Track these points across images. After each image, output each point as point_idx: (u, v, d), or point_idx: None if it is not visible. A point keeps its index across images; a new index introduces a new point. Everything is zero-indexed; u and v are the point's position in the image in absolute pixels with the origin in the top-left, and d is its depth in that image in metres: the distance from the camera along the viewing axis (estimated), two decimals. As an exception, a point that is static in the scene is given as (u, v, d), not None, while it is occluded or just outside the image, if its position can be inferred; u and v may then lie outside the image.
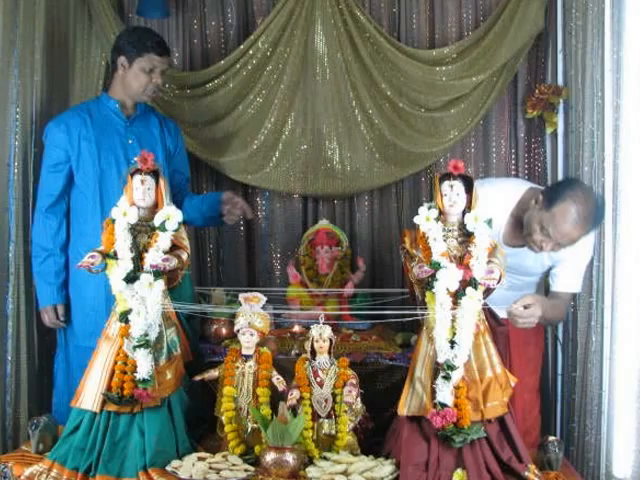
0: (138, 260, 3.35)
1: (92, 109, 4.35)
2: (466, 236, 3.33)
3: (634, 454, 3.79)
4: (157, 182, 3.45)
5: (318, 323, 3.48)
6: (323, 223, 4.74)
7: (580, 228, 3.70)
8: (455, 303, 3.23)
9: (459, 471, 3.18)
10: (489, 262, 3.25)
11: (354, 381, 3.44)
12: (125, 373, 3.32)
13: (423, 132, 4.88)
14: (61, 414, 3.81)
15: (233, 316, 3.59)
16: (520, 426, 3.40)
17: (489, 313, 3.45)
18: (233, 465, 3.27)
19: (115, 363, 3.35)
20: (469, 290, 3.22)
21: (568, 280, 4.03)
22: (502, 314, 3.60)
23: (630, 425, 3.83)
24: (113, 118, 4.33)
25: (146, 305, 3.30)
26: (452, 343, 3.22)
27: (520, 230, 3.87)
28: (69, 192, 4.28)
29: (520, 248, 3.86)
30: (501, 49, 4.72)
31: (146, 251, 3.36)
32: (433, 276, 3.22)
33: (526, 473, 3.21)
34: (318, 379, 3.46)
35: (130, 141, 4.30)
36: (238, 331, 3.50)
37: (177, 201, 4.20)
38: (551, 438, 3.44)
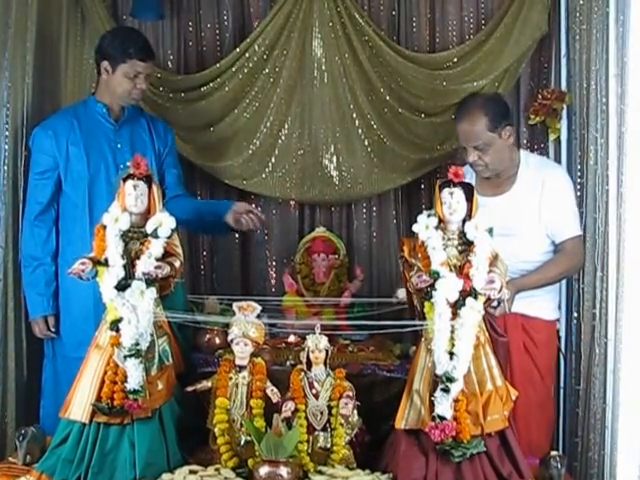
0: (129, 267, 3.34)
1: (79, 113, 4.36)
2: (466, 245, 3.32)
3: (638, 470, 3.78)
4: (150, 188, 3.44)
5: (314, 333, 3.47)
6: (320, 231, 4.75)
7: (476, 119, 4.05)
8: (455, 314, 3.22)
9: (458, 486, 3.18)
10: (490, 271, 3.24)
11: (350, 393, 3.42)
12: (115, 383, 3.30)
13: (423, 138, 4.89)
14: (49, 425, 3.80)
15: (227, 325, 3.56)
16: (524, 439, 3.40)
17: (490, 324, 3.44)
18: (226, 478, 3.25)
19: (105, 373, 3.33)
20: (469, 300, 3.21)
21: (566, 227, 4.14)
22: None
23: (634, 440, 3.82)
24: (101, 122, 4.34)
25: (137, 314, 3.28)
26: (451, 355, 3.20)
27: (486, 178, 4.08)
28: (58, 199, 4.28)
29: (493, 198, 3.89)
30: (503, 53, 4.72)
31: (138, 258, 3.34)
32: (432, 286, 3.21)
33: (527, 489, 3.21)
34: (314, 391, 3.45)
35: (119, 145, 4.31)
36: (232, 341, 3.49)
37: (170, 199, 4.22)
38: (553, 453, 3.43)
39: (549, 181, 4.12)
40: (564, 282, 4.63)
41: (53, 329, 4.29)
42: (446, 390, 3.20)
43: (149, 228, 3.39)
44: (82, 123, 4.31)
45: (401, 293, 3.80)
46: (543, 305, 4.24)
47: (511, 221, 3.96)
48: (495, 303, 3.38)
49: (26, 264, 4.28)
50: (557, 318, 4.43)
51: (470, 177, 3.91)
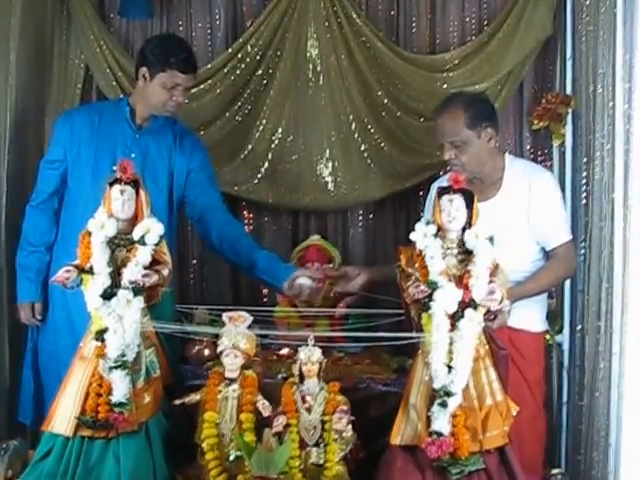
0: (116, 276, 3.33)
1: (106, 111, 4.37)
2: (466, 254, 3.32)
3: (643, 489, 3.80)
4: (137, 193, 3.44)
5: (307, 345, 3.47)
6: (314, 239, 4.76)
7: (455, 114, 4.04)
8: (453, 325, 3.22)
9: (456, 505, 3.18)
10: (490, 282, 3.25)
11: (345, 407, 3.42)
12: (100, 395, 3.28)
13: (422, 143, 4.90)
14: (26, 414, 3.85)
15: (216, 336, 3.56)
16: (517, 456, 3.40)
17: (490, 336, 3.45)
18: (214, 495, 3.26)
19: (90, 385, 3.32)
20: (468, 312, 3.21)
21: (556, 232, 4.11)
22: None
23: (638, 458, 3.82)
24: (123, 125, 4.32)
25: (123, 324, 3.27)
26: (449, 368, 3.20)
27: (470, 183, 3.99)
28: (63, 191, 4.32)
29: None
30: (506, 55, 4.75)
31: (124, 266, 3.34)
32: (430, 296, 3.22)
33: (527, 508, 3.21)
34: (306, 405, 3.44)
35: (133, 155, 4.25)
36: (221, 353, 3.48)
37: (210, 227, 4.22)
38: (555, 471, 3.45)
39: (535, 185, 4.09)
40: (568, 294, 4.66)
41: (39, 317, 4.33)
42: (444, 405, 3.19)
43: (136, 235, 3.38)
44: (103, 122, 4.30)
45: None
46: (530, 317, 4.20)
47: (498, 228, 3.92)
48: (492, 315, 3.39)
49: (22, 247, 4.33)
50: (545, 330, 4.43)
51: None
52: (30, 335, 4.45)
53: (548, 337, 4.55)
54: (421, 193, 5.05)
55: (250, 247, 4.31)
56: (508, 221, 4.04)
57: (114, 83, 4.86)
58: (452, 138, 4.05)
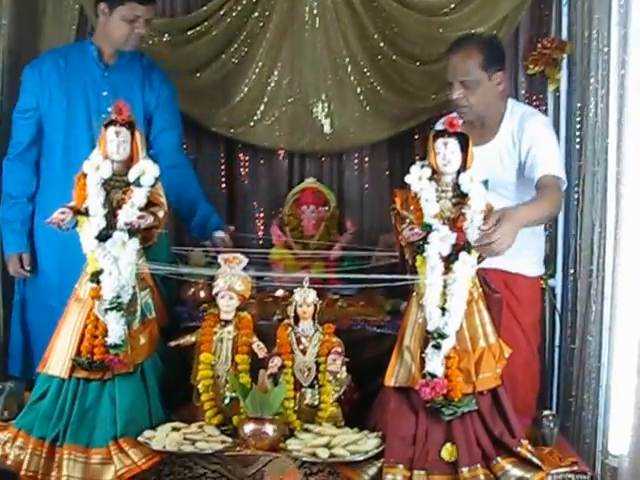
0: (111, 217, 3.31)
1: (71, 54, 4.35)
2: (460, 197, 3.30)
3: (632, 430, 3.79)
4: (132, 134, 3.40)
5: (302, 287, 3.46)
6: (310, 181, 4.72)
7: (471, 53, 4.03)
8: (447, 268, 3.21)
9: (448, 445, 3.19)
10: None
11: (339, 349, 3.42)
12: (96, 337, 3.28)
13: (417, 86, 4.85)
14: (15, 367, 4.02)
15: (212, 278, 3.56)
16: (511, 399, 3.40)
17: (483, 279, 3.43)
18: (209, 436, 3.26)
19: (85, 326, 3.32)
20: (462, 255, 3.20)
21: (546, 163, 3.96)
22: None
23: (629, 400, 3.82)
24: (91, 65, 4.31)
25: (119, 265, 3.26)
26: (443, 310, 3.21)
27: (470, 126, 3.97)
28: (40, 141, 4.27)
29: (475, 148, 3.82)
30: (502, 0, 4.68)
31: (120, 208, 3.32)
32: (424, 239, 3.21)
33: (518, 449, 3.21)
34: (301, 346, 3.45)
35: (104, 93, 4.26)
36: (217, 294, 3.48)
37: (167, 168, 4.13)
38: (546, 413, 3.45)
39: (528, 127, 4.06)
40: (560, 238, 4.64)
41: (28, 267, 4.33)
42: (437, 347, 3.20)
43: (132, 176, 3.35)
44: (70, 65, 4.29)
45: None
46: (525, 261, 4.19)
47: (492, 173, 3.84)
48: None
49: (3, 201, 4.32)
50: (541, 274, 4.42)
51: None
52: (17, 289, 4.46)
53: (542, 281, 4.54)
54: (416, 137, 5.02)
55: (193, 199, 4.43)
56: (504, 163, 4.01)
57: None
58: (464, 77, 4.03)
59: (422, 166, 3.33)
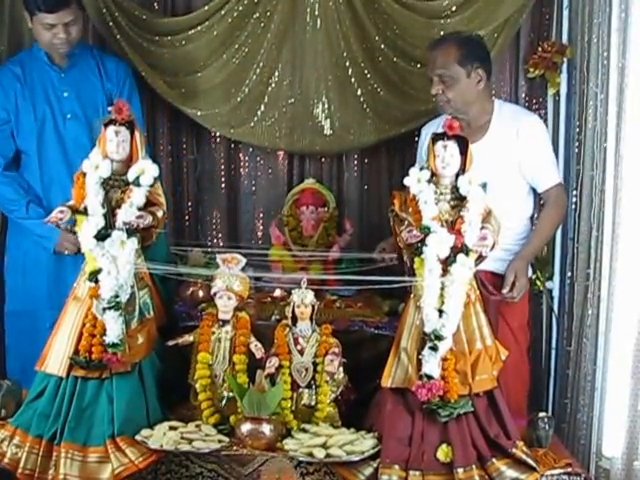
0: (110, 217, 3.30)
1: (25, 62, 4.33)
2: (459, 200, 3.31)
3: (626, 433, 3.81)
4: (132, 134, 3.39)
5: (300, 288, 3.46)
6: (309, 182, 4.73)
7: (448, 49, 4.05)
8: (445, 270, 3.21)
9: (444, 447, 3.19)
10: (482, 228, 3.25)
11: (336, 350, 3.43)
12: (94, 336, 3.28)
13: (418, 89, 4.81)
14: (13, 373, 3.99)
15: (210, 278, 3.55)
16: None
17: (481, 281, 3.43)
18: (206, 435, 3.26)
19: (83, 325, 3.31)
20: (460, 257, 3.20)
21: (547, 175, 4.10)
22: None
23: (623, 403, 3.85)
24: (46, 70, 4.30)
25: (117, 265, 3.26)
26: (440, 312, 3.21)
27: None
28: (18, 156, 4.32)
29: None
30: (504, 3, 4.65)
31: (119, 207, 3.31)
32: (423, 241, 3.21)
33: (513, 450, 3.21)
34: (299, 347, 3.45)
35: (65, 94, 4.27)
36: (215, 294, 3.48)
37: None
38: (541, 414, 3.45)
39: (523, 129, 4.07)
40: (558, 241, 4.63)
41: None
42: (434, 348, 3.20)
43: (131, 176, 3.35)
44: (28, 73, 4.28)
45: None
46: None
47: (484, 172, 3.84)
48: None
49: (15, 209, 4.26)
50: (530, 276, 4.40)
51: None
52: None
53: (539, 284, 4.54)
54: (416, 139, 4.99)
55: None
56: (494, 163, 3.98)
57: (110, 23, 4.75)
58: (441, 71, 4.04)
59: (421, 168, 3.34)
